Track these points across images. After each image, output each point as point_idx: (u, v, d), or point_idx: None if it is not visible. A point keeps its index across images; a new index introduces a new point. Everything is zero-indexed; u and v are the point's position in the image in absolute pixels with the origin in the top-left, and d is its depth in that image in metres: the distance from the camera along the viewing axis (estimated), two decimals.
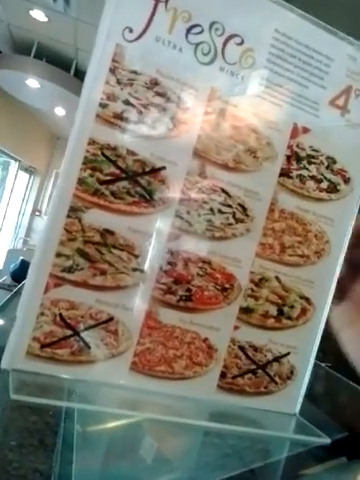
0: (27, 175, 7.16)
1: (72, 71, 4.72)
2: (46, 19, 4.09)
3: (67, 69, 4.68)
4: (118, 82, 0.58)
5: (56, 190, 0.58)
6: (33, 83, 4.63)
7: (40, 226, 7.15)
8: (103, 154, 0.58)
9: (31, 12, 3.98)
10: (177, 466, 0.70)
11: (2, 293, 3.62)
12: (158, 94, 0.60)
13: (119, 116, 0.58)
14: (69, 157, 0.58)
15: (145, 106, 0.59)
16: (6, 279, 3.94)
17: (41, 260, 0.58)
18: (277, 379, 0.70)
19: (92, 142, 0.58)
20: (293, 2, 0.65)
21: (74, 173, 0.58)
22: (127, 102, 0.58)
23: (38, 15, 4.03)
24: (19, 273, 3.86)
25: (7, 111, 5.85)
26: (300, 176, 0.67)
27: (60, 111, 5.47)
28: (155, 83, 0.59)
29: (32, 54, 4.56)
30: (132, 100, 0.59)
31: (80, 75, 4.81)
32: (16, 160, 6.65)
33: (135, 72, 0.58)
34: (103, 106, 0.58)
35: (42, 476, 0.58)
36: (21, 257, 4.20)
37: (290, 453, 0.72)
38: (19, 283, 3.65)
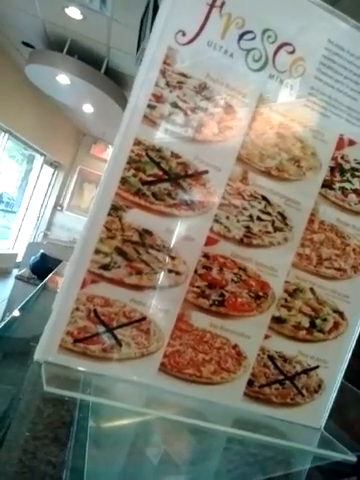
0: (51, 170, 7.25)
1: (103, 69, 4.76)
2: (81, 17, 4.13)
3: (98, 67, 4.72)
4: (167, 84, 0.58)
5: (99, 188, 0.58)
6: (63, 79, 4.67)
7: (61, 221, 7.23)
8: (147, 155, 0.58)
9: (66, 9, 4.03)
10: (191, 470, 0.70)
11: (22, 285, 3.66)
12: (206, 98, 0.60)
13: (166, 118, 0.59)
14: (114, 156, 0.58)
15: (192, 109, 0.59)
16: (25, 271, 3.98)
17: (80, 256, 0.58)
18: (304, 392, 0.69)
19: (138, 143, 0.58)
20: (340, 6, 0.64)
21: (118, 172, 0.58)
22: (175, 105, 0.59)
23: (73, 12, 4.07)
24: (39, 266, 3.89)
25: (36, 105, 5.93)
26: (343, 188, 0.66)
27: (88, 108, 5.51)
28: (204, 87, 0.59)
29: (65, 50, 4.60)
30: (180, 103, 0.59)
31: (110, 73, 4.85)
32: (41, 154, 6.73)
33: (185, 75, 0.58)
34: (151, 107, 0.58)
35: (55, 469, 0.58)
36: (41, 250, 4.24)
37: (309, 466, 0.71)
38: (38, 276, 3.69)
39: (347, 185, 0.67)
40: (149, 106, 0.58)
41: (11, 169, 6.90)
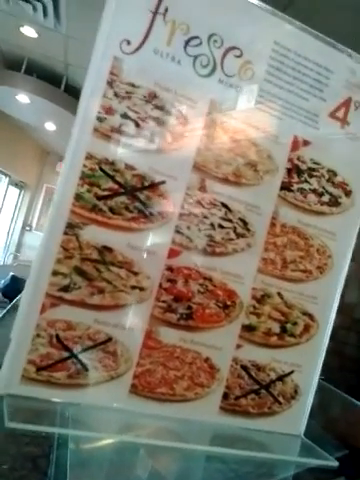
0: (17, 190, 7.11)
1: (62, 86, 4.72)
2: (36, 35, 4.09)
3: (57, 85, 4.68)
4: (116, 95, 0.56)
5: (52, 206, 0.55)
6: (23, 98, 4.61)
7: (30, 241, 7.10)
8: (101, 169, 0.56)
9: (21, 28, 3.99)
10: None
11: None
12: (156, 107, 0.58)
13: (117, 130, 0.57)
14: (66, 172, 0.56)
15: (143, 119, 0.58)
16: None
17: (37, 279, 0.55)
18: (281, 399, 0.67)
19: (89, 156, 0.56)
20: (291, 12, 0.64)
21: (71, 188, 0.56)
22: (125, 115, 0.57)
23: (28, 31, 4.03)
24: (10, 289, 3.79)
25: None
26: (301, 189, 0.66)
27: (50, 126, 5.45)
28: (154, 96, 0.58)
29: (22, 70, 4.55)
30: (130, 113, 0.57)
31: (70, 90, 4.81)
32: (6, 175, 6.61)
33: (133, 85, 0.57)
34: (100, 120, 0.56)
35: None
36: (11, 273, 4.14)
37: (292, 474, 0.69)
38: (10, 299, 3.59)
39: (305, 186, 0.66)
40: (98, 118, 0.56)
41: None
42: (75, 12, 3.63)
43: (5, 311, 1.17)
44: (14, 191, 7.07)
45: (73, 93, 4.80)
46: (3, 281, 4.08)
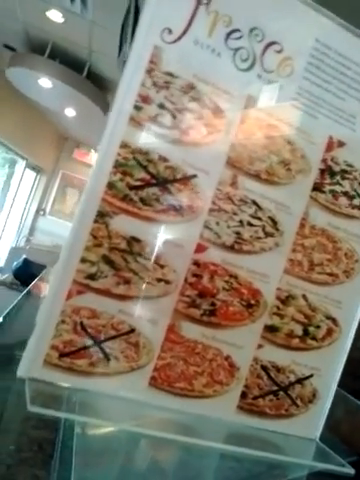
0: (33, 174, 7.15)
1: (85, 73, 4.71)
2: (62, 20, 4.09)
3: (80, 71, 4.67)
4: (154, 84, 0.56)
5: (84, 193, 0.55)
6: (45, 83, 4.62)
7: (43, 226, 7.14)
8: (135, 158, 0.56)
9: (48, 13, 3.98)
10: None
11: (4, 291, 3.59)
12: (193, 99, 0.57)
13: (153, 120, 0.56)
14: (100, 160, 0.55)
15: (180, 111, 0.57)
16: (8, 277, 3.91)
17: (65, 265, 0.55)
18: (299, 402, 0.67)
19: (124, 145, 0.56)
20: (332, 8, 0.63)
21: (104, 176, 0.55)
22: (162, 106, 0.56)
23: (55, 16, 4.02)
24: (22, 272, 3.82)
25: (17, 109, 5.84)
26: (333, 191, 0.65)
27: (70, 112, 5.45)
28: (191, 87, 0.57)
29: (46, 54, 4.55)
30: (167, 104, 0.56)
31: (92, 77, 4.80)
32: (23, 158, 6.64)
33: (172, 75, 0.56)
34: (137, 109, 0.55)
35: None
36: (24, 255, 4.17)
37: (305, 478, 0.69)
38: (21, 282, 3.63)
39: (337, 188, 0.65)
40: (135, 107, 0.55)
41: None
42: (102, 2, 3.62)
43: (21, 296, 1.18)
44: (30, 175, 7.11)
45: (95, 80, 4.80)
46: (15, 263, 4.11)
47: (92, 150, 7.11)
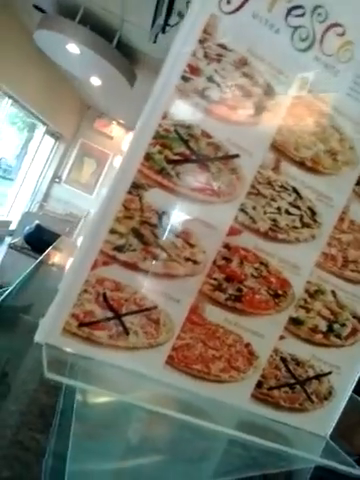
0: (52, 140, 7.11)
1: (114, 42, 4.63)
2: None
3: (110, 39, 4.59)
4: (205, 56, 0.53)
5: (121, 162, 0.53)
6: (73, 48, 4.54)
7: (58, 193, 7.14)
8: (176, 131, 0.54)
9: None
10: (171, 460, 0.66)
11: (15, 254, 3.61)
12: (245, 75, 0.55)
13: (200, 93, 0.54)
14: (140, 129, 0.53)
15: (229, 86, 0.54)
16: (19, 241, 3.92)
17: (94, 234, 0.53)
18: (314, 398, 0.65)
19: (166, 116, 0.53)
20: None
21: (143, 147, 0.53)
22: (211, 79, 0.53)
23: None
24: (33, 237, 3.83)
25: (42, 73, 5.78)
26: None
27: (96, 81, 5.38)
28: (244, 63, 0.54)
29: (77, 19, 4.47)
30: (217, 78, 0.54)
31: (122, 48, 4.72)
32: (44, 123, 6.60)
33: (225, 47, 0.53)
34: (185, 79, 0.53)
35: (38, 444, 0.55)
36: (37, 221, 4.18)
37: (311, 474, 0.68)
38: (32, 247, 3.64)
39: None
40: (183, 77, 0.53)
41: (11, 136, 6.77)
42: None
43: (36, 263, 1.17)
44: (49, 141, 7.08)
45: (124, 51, 4.72)
46: (27, 228, 4.12)
47: (114, 122, 7.05)
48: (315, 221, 0.60)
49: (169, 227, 0.56)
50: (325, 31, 0.56)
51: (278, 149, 0.57)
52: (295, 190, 0.59)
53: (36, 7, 4.70)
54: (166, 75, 0.53)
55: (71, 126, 7.25)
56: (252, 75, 0.55)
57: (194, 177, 0.55)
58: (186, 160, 0.55)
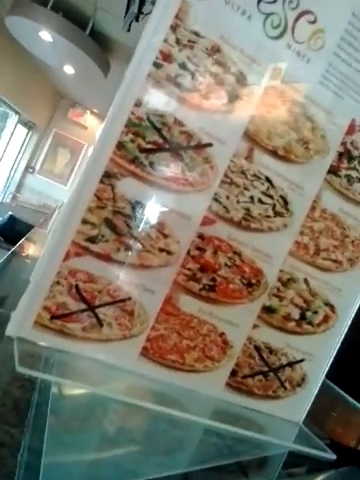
0: (25, 130, 6.96)
1: (88, 30, 4.55)
2: None
3: (83, 27, 4.51)
4: (177, 42, 0.52)
5: (93, 150, 0.52)
6: (46, 36, 4.45)
7: (31, 183, 7.01)
8: (148, 119, 0.53)
9: None
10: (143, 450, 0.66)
11: None
12: (217, 63, 0.54)
13: (172, 80, 0.53)
14: (112, 116, 0.52)
15: (202, 73, 0.54)
16: None
17: (65, 225, 0.52)
18: (287, 385, 0.66)
19: (139, 104, 0.52)
20: None
21: (115, 135, 0.52)
22: (183, 66, 0.53)
23: None
24: (6, 228, 3.75)
25: (14, 61, 5.63)
26: (348, 176, 0.62)
27: (69, 69, 5.28)
28: (217, 50, 0.53)
29: (49, 5, 4.37)
30: (189, 65, 0.53)
31: (95, 36, 4.64)
32: (16, 113, 6.45)
33: (197, 34, 0.52)
34: (157, 66, 0.52)
35: (13, 439, 0.54)
36: (10, 212, 4.10)
37: (285, 459, 0.69)
38: (5, 238, 3.56)
39: (353, 173, 0.63)
40: (155, 64, 0.52)
41: None
42: None
43: (7, 255, 1.14)
44: (22, 130, 6.93)
45: (98, 39, 4.64)
46: (0, 219, 4.04)
47: (88, 111, 6.95)
48: (287, 210, 0.60)
49: (143, 217, 0.55)
50: (297, 18, 0.56)
51: (251, 138, 0.57)
52: (268, 179, 0.59)
53: None
54: (138, 61, 0.52)
55: (44, 115, 7.11)
56: (225, 63, 0.54)
57: (167, 166, 0.55)
58: (159, 149, 0.54)
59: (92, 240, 0.53)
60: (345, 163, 0.62)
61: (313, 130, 0.59)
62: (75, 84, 6.03)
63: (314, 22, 0.56)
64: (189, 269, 0.58)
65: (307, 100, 0.58)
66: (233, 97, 0.55)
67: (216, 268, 0.59)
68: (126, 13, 3.58)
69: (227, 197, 0.57)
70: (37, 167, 7.07)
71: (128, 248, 0.55)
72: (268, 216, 0.60)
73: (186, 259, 0.58)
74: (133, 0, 3.34)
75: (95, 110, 6.93)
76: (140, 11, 3.41)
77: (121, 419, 0.65)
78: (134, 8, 3.43)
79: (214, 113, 0.55)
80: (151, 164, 0.54)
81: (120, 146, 0.52)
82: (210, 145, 0.55)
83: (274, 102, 0.57)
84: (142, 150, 0.53)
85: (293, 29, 0.56)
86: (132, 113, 0.52)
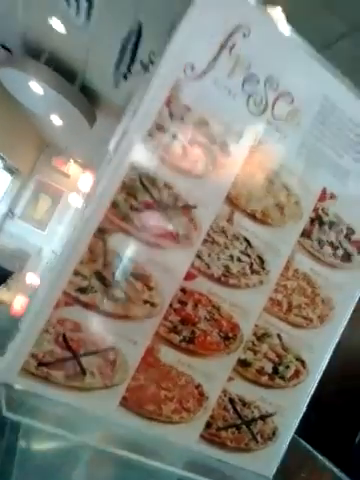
0: (8, 175, 7.03)
1: (77, 84, 4.74)
2: (63, 29, 4.13)
3: (72, 81, 4.70)
4: (170, 115, 0.58)
5: (89, 208, 0.56)
6: (36, 87, 4.60)
7: (11, 229, 6.99)
8: (141, 182, 0.58)
9: (49, 20, 4.01)
10: None
11: None
12: (205, 135, 0.60)
13: (165, 148, 0.58)
14: (108, 177, 0.57)
15: (191, 144, 0.59)
16: None
17: (58, 275, 0.55)
18: (259, 438, 0.68)
19: (133, 168, 0.57)
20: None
21: (110, 194, 0.57)
22: (175, 136, 0.58)
23: (56, 24, 4.05)
24: None
25: (2, 108, 5.78)
26: (319, 240, 0.68)
27: (57, 120, 5.43)
28: (204, 123, 0.60)
29: (42, 60, 4.56)
30: (180, 135, 0.59)
31: (85, 91, 4.83)
32: (1, 158, 6.54)
33: (188, 109, 0.59)
34: (151, 135, 0.57)
35: None
36: None
37: None
38: None
39: (324, 237, 0.68)
40: (149, 134, 0.57)
41: None
42: (105, 16, 3.66)
43: None
44: (5, 176, 6.99)
45: (87, 93, 4.82)
46: None
47: (71, 160, 7.08)
48: (263, 268, 0.65)
49: (130, 270, 0.59)
50: (276, 98, 0.63)
51: (232, 202, 0.62)
52: (246, 239, 0.64)
53: (3, 46, 4.76)
54: (134, 129, 0.57)
55: (28, 162, 7.21)
56: (212, 135, 0.60)
57: (155, 224, 0.59)
58: (149, 208, 0.59)
59: (82, 291, 0.56)
60: (317, 227, 0.68)
61: (288, 196, 0.65)
62: (62, 134, 6.18)
63: (291, 102, 0.64)
64: (171, 321, 0.61)
65: (283, 170, 0.65)
66: (218, 165, 0.61)
67: (196, 321, 0.62)
68: (115, 70, 3.75)
69: (209, 254, 0.62)
70: (18, 212, 7.08)
71: (115, 299, 0.58)
72: (245, 273, 0.64)
73: (168, 311, 0.61)
74: (122, 59, 3.52)
75: (79, 159, 7.07)
76: (129, 70, 3.57)
77: (96, 467, 0.65)
78: (123, 67, 3.60)
79: (200, 178, 0.60)
80: (140, 221, 0.58)
81: (114, 205, 0.57)
82: (195, 207, 0.60)
83: (254, 170, 0.63)
84: (133, 208, 0.58)
85: (273, 107, 0.63)
86: (126, 176, 0.57)
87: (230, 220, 0.63)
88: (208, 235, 0.62)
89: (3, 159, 6.52)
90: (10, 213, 7.00)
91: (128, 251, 0.58)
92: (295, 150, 0.65)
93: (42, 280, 0.59)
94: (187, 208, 0.60)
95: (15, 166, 6.88)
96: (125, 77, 3.67)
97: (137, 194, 0.58)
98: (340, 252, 0.70)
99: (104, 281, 0.57)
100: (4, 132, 6.06)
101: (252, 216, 0.64)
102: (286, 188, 0.65)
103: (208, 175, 0.61)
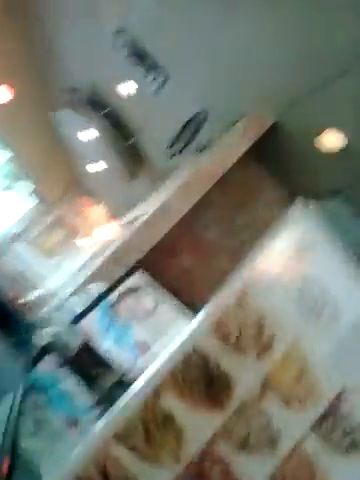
0: (33, 202, 7.11)
1: (130, 142, 4.83)
2: (132, 93, 4.27)
3: (127, 139, 4.80)
4: None
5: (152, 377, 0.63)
6: (89, 136, 4.75)
7: (18, 251, 6.96)
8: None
9: (123, 81, 4.17)
10: None
11: None
12: None
13: None
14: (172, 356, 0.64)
15: None
16: None
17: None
18: None
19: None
20: None
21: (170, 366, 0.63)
22: None
23: (128, 86, 4.22)
24: None
25: (46, 137, 5.95)
26: None
27: (98, 165, 5.51)
28: None
29: (102, 113, 4.73)
30: None
31: (135, 149, 4.90)
32: (33, 183, 6.67)
33: None
34: None
35: None
36: None
37: None
38: None
39: None
40: None
41: None
42: (176, 94, 3.78)
43: None
44: (29, 201, 7.09)
45: (136, 152, 4.91)
46: None
47: (98, 204, 7.16)
48: None
49: (171, 427, 0.64)
50: None
51: None
52: None
53: (72, 89, 4.94)
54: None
55: (55, 193, 7.31)
56: None
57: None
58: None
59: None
60: None
61: None
62: (97, 177, 6.27)
63: None
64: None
65: None
66: None
67: None
68: (171, 146, 3.81)
69: None
70: (29, 237, 7.11)
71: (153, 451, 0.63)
72: None
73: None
74: (180, 137, 3.62)
75: (106, 206, 7.15)
76: (180, 152, 3.68)
77: None
78: (177, 147, 3.71)
79: None
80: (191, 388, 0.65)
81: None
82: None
83: None
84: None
85: None
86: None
87: None
88: None
89: (34, 185, 6.65)
90: (22, 236, 7.01)
91: (174, 409, 0.64)
92: None
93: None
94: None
95: (42, 194, 6.97)
96: (180, 152, 3.74)
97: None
98: None
99: (148, 434, 0.62)
100: (40, 159, 6.23)
101: None
102: None
103: None
